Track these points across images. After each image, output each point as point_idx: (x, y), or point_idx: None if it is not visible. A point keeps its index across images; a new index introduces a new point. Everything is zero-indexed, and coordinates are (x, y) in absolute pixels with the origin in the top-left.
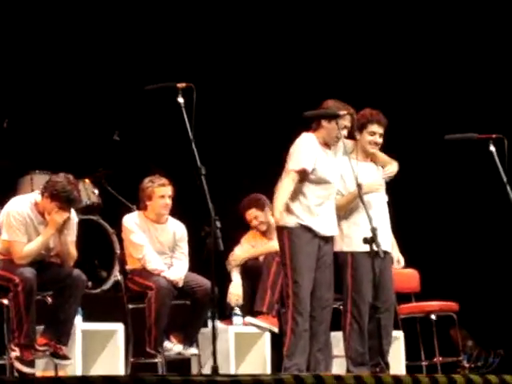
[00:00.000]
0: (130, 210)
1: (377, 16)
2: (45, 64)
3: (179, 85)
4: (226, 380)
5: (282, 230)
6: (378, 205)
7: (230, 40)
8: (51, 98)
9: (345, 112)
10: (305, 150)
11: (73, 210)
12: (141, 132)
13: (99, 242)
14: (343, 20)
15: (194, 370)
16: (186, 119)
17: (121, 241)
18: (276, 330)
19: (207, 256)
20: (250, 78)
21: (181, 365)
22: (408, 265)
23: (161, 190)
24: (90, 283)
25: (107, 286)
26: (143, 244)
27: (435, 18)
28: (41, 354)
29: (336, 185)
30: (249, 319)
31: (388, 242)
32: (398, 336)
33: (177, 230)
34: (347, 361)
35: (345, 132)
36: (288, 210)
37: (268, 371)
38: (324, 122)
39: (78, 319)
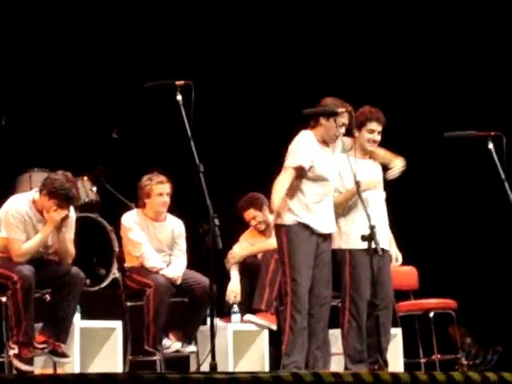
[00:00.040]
0: (128, 208)
1: (376, 13)
2: (43, 61)
3: (178, 82)
4: (225, 377)
5: (279, 228)
6: (376, 202)
7: (228, 38)
8: (49, 95)
9: (343, 110)
10: (302, 147)
11: (71, 208)
12: (139, 130)
13: (97, 240)
14: (342, 17)
15: (193, 367)
16: (185, 117)
17: (119, 238)
18: (274, 327)
19: (206, 254)
20: (248, 76)
21: (179, 362)
22: (406, 262)
23: (159, 188)
24: (88, 281)
25: (105, 283)
26: (142, 242)
27: (434, 17)
28: (39, 352)
29: (334, 182)
30: (247, 317)
31: (386, 240)
32: (397, 333)
33: (175, 227)
34: (345, 358)
35: (343, 130)
36: (286, 207)
37: (266, 369)
38: (322, 120)
39: (77, 317)
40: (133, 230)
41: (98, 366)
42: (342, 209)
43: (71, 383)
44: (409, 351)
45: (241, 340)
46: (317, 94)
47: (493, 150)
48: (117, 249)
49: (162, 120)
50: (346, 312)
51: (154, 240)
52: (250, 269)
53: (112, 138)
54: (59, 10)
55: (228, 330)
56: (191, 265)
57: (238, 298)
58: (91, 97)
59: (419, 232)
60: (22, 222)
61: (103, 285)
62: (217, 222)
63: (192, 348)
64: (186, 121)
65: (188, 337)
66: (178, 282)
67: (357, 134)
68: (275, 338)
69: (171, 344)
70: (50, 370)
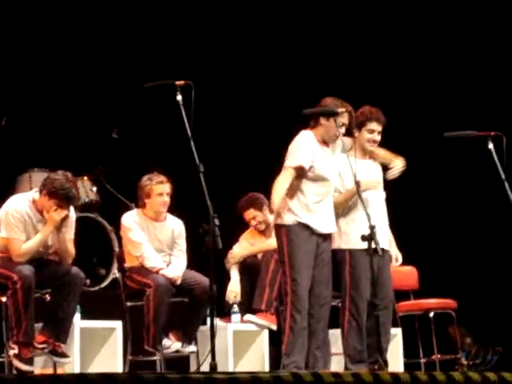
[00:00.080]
0: (128, 208)
1: (376, 13)
2: (43, 61)
3: (178, 82)
4: (225, 377)
5: (279, 228)
6: (376, 202)
7: (228, 38)
8: (50, 95)
9: (343, 110)
10: (302, 147)
11: (71, 208)
12: (139, 130)
13: (97, 240)
14: (342, 17)
15: (193, 367)
16: (185, 117)
17: (119, 238)
18: (274, 327)
19: (206, 254)
20: (249, 76)
21: (179, 362)
22: (406, 262)
23: (159, 188)
24: (88, 281)
25: (105, 283)
26: (142, 242)
27: (434, 17)
28: (39, 352)
29: (334, 182)
30: (247, 317)
31: (386, 240)
32: (397, 333)
33: (175, 227)
34: (345, 358)
35: (343, 130)
36: (286, 207)
37: (266, 369)
38: (322, 120)
39: (77, 317)
40: (133, 230)
41: (98, 366)
42: (342, 209)
43: (71, 383)
44: (409, 351)
45: (241, 340)
46: (317, 94)
47: (493, 150)
48: (117, 249)
49: (162, 120)
50: (346, 312)
51: (154, 240)
52: (250, 269)
53: (112, 138)
54: (59, 10)
55: (228, 329)
56: (191, 265)
57: (238, 298)
58: (91, 97)
59: (419, 232)
60: (22, 222)
61: (103, 285)
62: (217, 221)
63: (192, 348)
64: (185, 121)
65: (188, 337)
66: (178, 282)
67: (357, 134)
68: (275, 338)
69: (171, 344)
70: (50, 370)
